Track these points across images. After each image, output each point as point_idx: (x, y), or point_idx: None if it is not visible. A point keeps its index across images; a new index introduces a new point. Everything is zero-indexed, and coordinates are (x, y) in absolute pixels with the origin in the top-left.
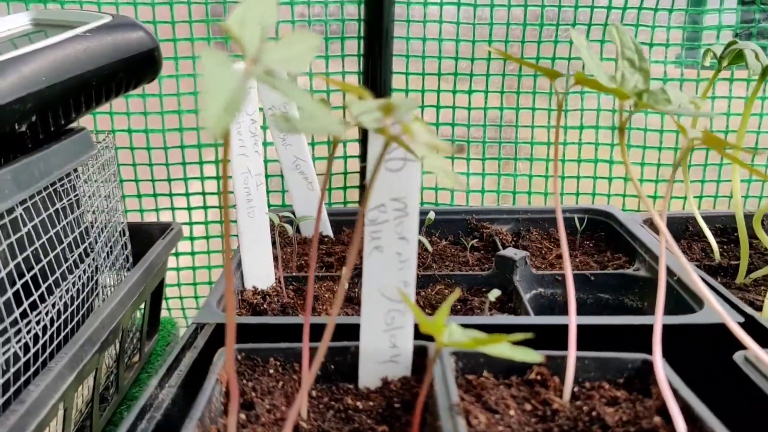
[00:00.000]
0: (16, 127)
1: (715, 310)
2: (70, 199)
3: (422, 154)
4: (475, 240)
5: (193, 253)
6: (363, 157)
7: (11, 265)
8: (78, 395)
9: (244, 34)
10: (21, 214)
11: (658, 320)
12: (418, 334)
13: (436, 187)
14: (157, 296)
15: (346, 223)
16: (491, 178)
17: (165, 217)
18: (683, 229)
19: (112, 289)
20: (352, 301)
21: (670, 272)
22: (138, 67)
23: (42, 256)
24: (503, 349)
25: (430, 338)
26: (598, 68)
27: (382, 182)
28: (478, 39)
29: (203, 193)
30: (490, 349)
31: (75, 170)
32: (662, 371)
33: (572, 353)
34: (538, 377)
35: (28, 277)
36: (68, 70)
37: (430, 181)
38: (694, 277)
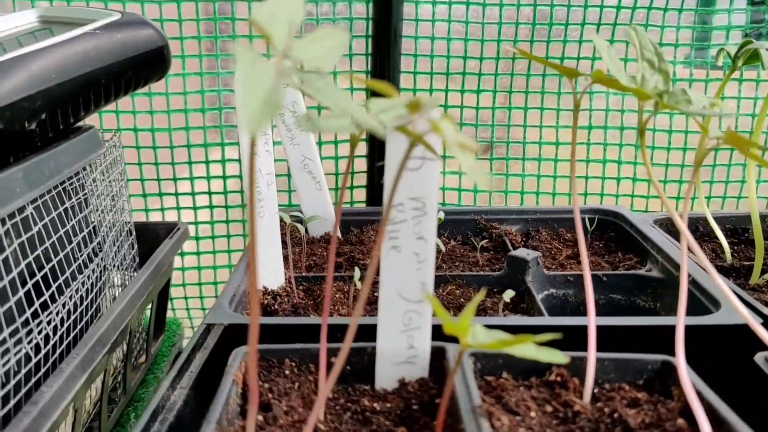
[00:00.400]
0: (26, 125)
1: (739, 311)
2: (79, 198)
3: (453, 153)
4: (485, 240)
5: (198, 253)
6: (371, 156)
7: (23, 264)
8: (86, 396)
9: (273, 30)
10: (32, 213)
11: (681, 321)
12: (434, 335)
13: (443, 187)
14: (163, 297)
15: (353, 223)
16: (499, 178)
17: (170, 216)
18: (693, 230)
19: (120, 289)
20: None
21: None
22: (147, 65)
23: (52, 256)
24: (528, 350)
25: (447, 339)
26: (619, 69)
27: (401, 181)
28: (486, 38)
29: (209, 193)
30: (516, 350)
31: (84, 169)
32: (686, 373)
33: (592, 354)
34: (558, 378)
35: (39, 276)
36: (78, 67)
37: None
38: (716, 278)
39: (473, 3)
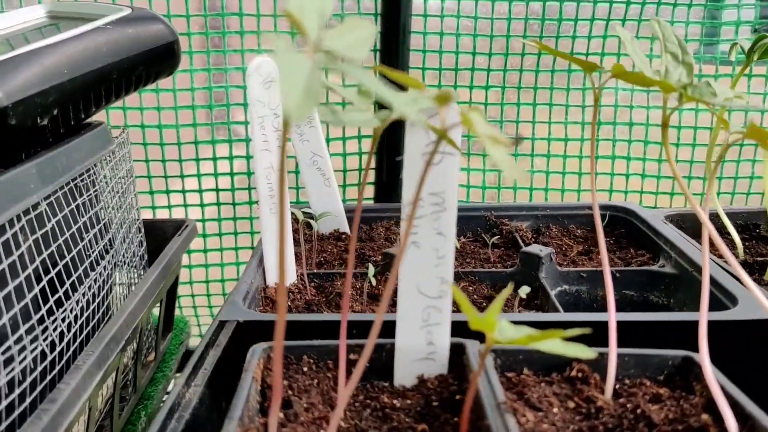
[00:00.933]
0: (38, 120)
1: (765, 306)
2: (90, 194)
3: (484, 146)
4: (496, 237)
5: (205, 251)
6: (379, 152)
7: (37, 261)
8: (99, 394)
9: (304, 20)
10: (45, 210)
11: (704, 316)
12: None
13: None
14: (171, 294)
15: (362, 219)
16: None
17: (176, 214)
18: None
19: (129, 287)
20: (376, 299)
21: (699, 268)
22: (158, 61)
23: (65, 253)
24: (556, 345)
25: (466, 335)
26: (643, 61)
27: (419, 176)
28: (495, 34)
29: (217, 190)
30: (544, 346)
31: (94, 165)
32: (710, 368)
33: (613, 350)
34: (579, 374)
35: (53, 273)
36: (90, 63)
37: None
38: (741, 273)
39: None
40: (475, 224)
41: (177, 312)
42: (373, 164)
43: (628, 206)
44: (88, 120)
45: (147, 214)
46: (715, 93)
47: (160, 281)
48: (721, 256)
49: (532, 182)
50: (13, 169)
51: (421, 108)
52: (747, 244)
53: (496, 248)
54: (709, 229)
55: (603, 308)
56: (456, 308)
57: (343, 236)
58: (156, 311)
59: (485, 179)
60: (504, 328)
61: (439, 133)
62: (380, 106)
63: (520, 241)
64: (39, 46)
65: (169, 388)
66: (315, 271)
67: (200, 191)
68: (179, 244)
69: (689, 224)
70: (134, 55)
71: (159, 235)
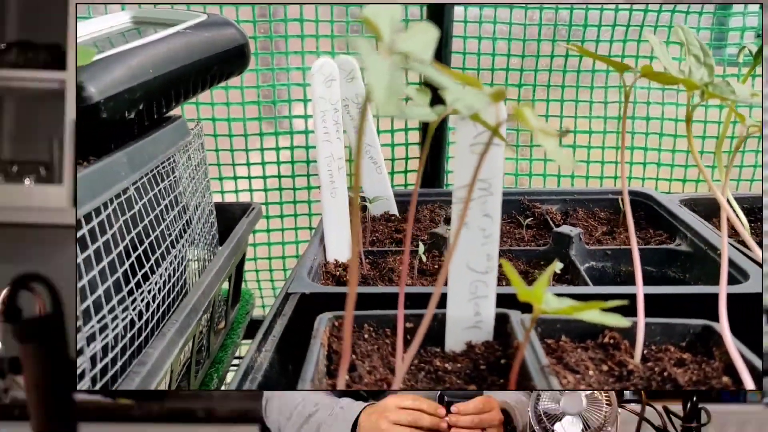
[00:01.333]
0: (126, 114)
1: None
2: (171, 180)
3: (537, 138)
4: (529, 219)
5: (268, 230)
6: (423, 143)
7: (127, 239)
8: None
9: (379, 23)
10: (133, 194)
11: (723, 288)
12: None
13: None
14: (239, 270)
15: (410, 203)
16: (538, 162)
17: (242, 197)
18: (715, 210)
19: (203, 263)
20: (425, 273)
21: (712, 247)
22: (230, 61)
23: (150, 232)
24: (596, 315)
25: (509, 306)
26: (670, 62)
27: (467, 164)
28: (528, 38)
29: (279, 176)
30: (585, 316)
31: (174, 154)
32: (729, 336)
33: (641, 319)
34: (611, 341)
35: (140, 250)
36: (171, 63)
37: None
38: (755, 248)
39: (517, 6)
40: (510, 207)
41: (243, 285)
42: (417, 154)
43: (646, 191)
44: (168, 114)
45: (216, 198)
46: (734, 90)
47: (231, 258)
48: (731, 236)
49: (560, 170)
50: (106, 157)
51: (484, 102)
52: (752, 225)
53: (529, 229)
54: (727, 211)
55: (626, 282)
56: (499, 282)
57: (392, 218)
58: (226, 285)
59: (518, 167)
60: (550, 299)
61: (491, 128)
62: (434, 101)
63: (550, 222)
64: (126, 48)
65: (237, 353)
66: (369, 248)
67: (264, 177)
68: (246, 225)
69: (702, 208)
70: (210, 56)
71: (229, 217)
